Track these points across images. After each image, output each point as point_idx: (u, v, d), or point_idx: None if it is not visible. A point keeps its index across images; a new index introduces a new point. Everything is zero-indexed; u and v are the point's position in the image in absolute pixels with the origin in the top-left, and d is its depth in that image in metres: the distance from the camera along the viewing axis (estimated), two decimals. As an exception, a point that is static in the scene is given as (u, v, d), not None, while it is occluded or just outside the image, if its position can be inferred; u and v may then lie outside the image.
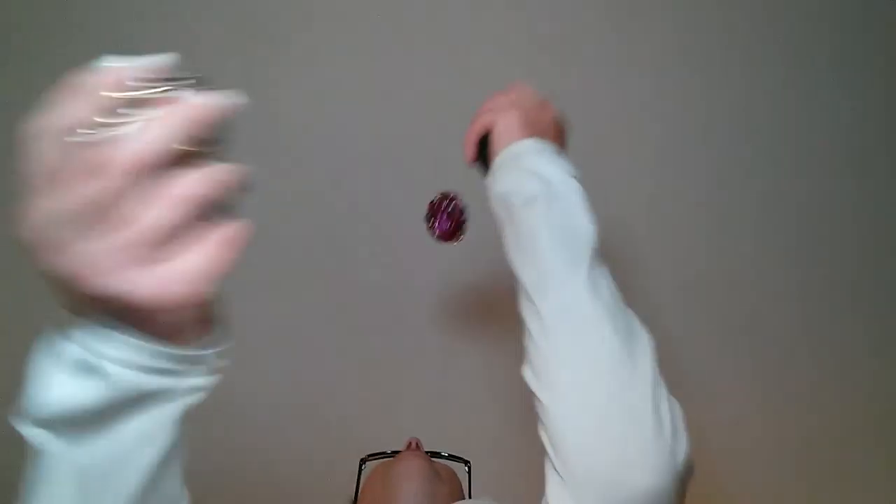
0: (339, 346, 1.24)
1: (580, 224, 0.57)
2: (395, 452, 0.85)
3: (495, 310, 1.22)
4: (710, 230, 1.31)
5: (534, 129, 0.65)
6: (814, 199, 1.33)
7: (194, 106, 0.30)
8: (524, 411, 1.28)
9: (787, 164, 1.32)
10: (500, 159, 0.63)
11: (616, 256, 1.25)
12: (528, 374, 0.54)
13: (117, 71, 0.30)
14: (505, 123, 0.65)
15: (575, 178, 0.61)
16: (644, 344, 0.52)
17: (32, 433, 0.33)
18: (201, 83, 0.31)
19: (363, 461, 0.88)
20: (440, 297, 1.25)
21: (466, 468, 0.88)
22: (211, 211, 0.31)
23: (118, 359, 0.33)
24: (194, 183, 0.30)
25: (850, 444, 1.35)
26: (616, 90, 1.27)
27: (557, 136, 0.68)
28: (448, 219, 0.78)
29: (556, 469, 0.48)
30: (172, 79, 0.31)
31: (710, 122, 1.30)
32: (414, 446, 0.85)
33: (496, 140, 0.65)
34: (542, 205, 0.57)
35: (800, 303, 1.34)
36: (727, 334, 1.32)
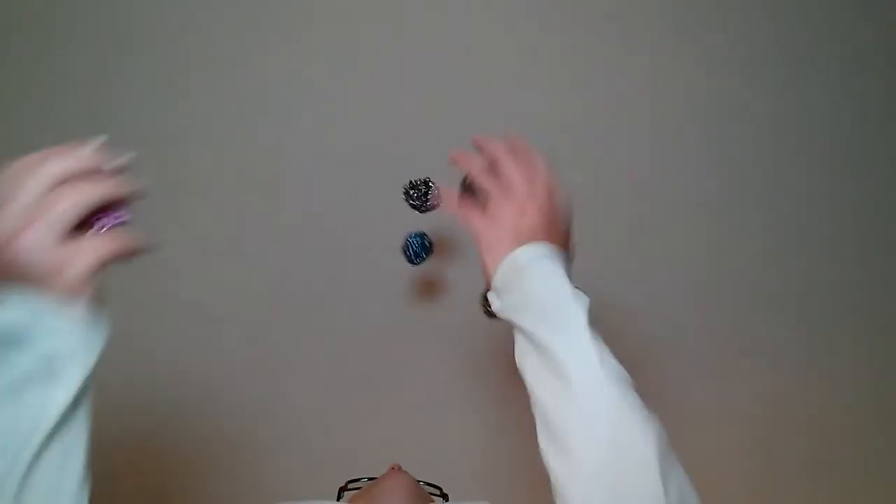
0: (315, 376, 1.24)
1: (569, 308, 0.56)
2: (373, 479, 0.84)
3: (480, 343, 1.21)
4: (710, 229, 1.31)
5: (528, 233, 0.61)
6: (814, 199, 1.33)
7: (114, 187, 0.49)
8: (503, 445, 1.27)
9: (787, 163, 1.32)
10: (500, 275, 0.60)
11: (616, 256, 1.26)
12: (542, 441, 0.53)
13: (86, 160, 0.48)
14: (496, 236, 0.61)
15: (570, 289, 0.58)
16: (653, 425, 0.52)
17: None
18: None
19: (342, 489, 0.87)
20: (425, 321, 1.24)
21: (444, 501, 0.86)
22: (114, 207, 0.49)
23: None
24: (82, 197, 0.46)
25: (850, 443, 1.35)
26: (615, 90, 1.27)
27: (559, 229, 0.64)
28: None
29: None
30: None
31: (709, 122, 1.30)
32: (397, 469, 0.84)
33: (486, 250, 0.62)
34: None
35: (799, 302, 1.34)
36: (726, 333, 1.32)
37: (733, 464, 1.31)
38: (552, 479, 0.51)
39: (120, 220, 0.49)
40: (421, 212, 0.84)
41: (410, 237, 0.99)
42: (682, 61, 1.28)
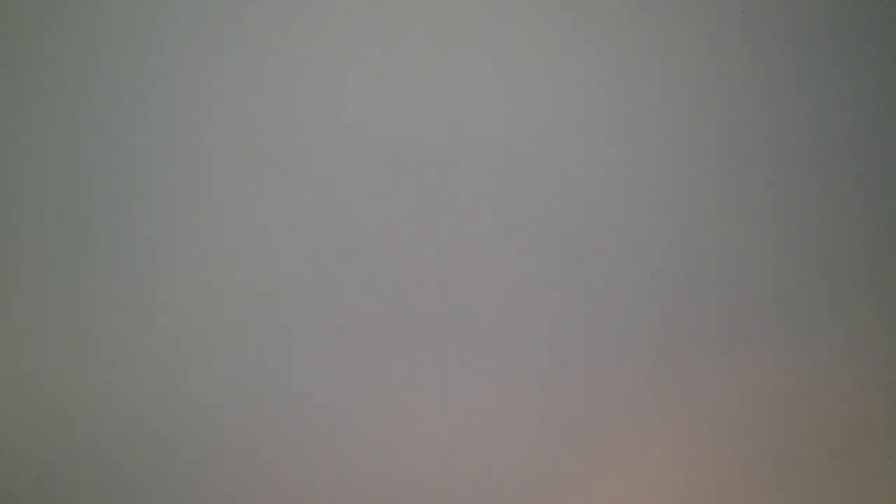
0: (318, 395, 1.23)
1: None
2: None
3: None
4: (710, 226, 1.31)
5: None
6: (813, 199, 1.33)
7: None
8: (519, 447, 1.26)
9: (786, 163, 1.32)
10: None
11: (616, 256, 1.26)
12: None
13: None
14: None
15: None
16: None
17: None
18: None
19: None
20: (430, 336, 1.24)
21: None
22: None
23: None
24: None
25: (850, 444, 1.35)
26: (616, 88, 1.27)
27: None
28: None
29: None
30: None
31: (707, 120, 1.30)
32: None
33: None
34: None
35: (797, 302, 1.34)
36: (726, 333, 1.32)
37: (733, 464, 1.31)
38: None
39: None
40: None
41: None
42: (683, 59, 1.28)
